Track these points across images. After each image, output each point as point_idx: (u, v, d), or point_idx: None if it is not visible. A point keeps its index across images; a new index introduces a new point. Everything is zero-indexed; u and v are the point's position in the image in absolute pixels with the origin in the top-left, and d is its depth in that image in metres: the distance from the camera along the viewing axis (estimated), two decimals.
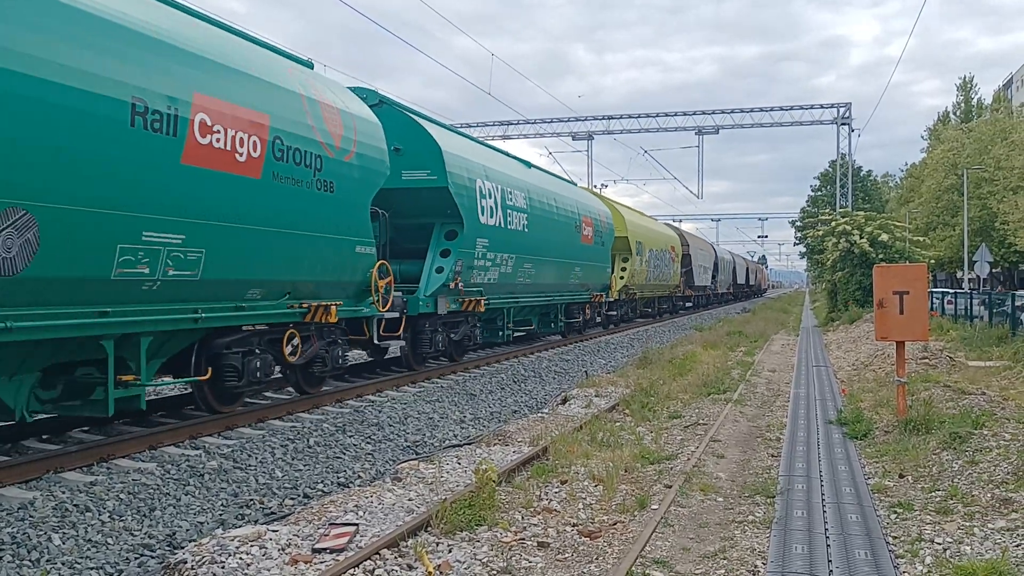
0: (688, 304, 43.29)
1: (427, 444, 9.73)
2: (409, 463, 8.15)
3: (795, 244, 71.63)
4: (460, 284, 14.07)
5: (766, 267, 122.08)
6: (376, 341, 12.28)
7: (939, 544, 5.45)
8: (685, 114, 43.53)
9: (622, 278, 26.97)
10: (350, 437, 9.47)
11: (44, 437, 8.62)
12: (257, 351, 9.60)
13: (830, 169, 60.23)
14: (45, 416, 8.34)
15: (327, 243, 10.07)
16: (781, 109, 42.65)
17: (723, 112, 43.15)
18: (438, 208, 13.78)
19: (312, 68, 10.92)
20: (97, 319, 7.10)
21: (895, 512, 6.27)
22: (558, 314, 21.30)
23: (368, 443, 9.39)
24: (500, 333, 17.80)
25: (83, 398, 7.71)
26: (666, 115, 43.81)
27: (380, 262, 11.50)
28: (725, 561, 5.25)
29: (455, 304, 14.32)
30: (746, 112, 42.92)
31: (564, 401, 12.48)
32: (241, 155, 8.36)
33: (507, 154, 18.62)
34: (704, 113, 43.24)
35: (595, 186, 47.22)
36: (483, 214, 14.75)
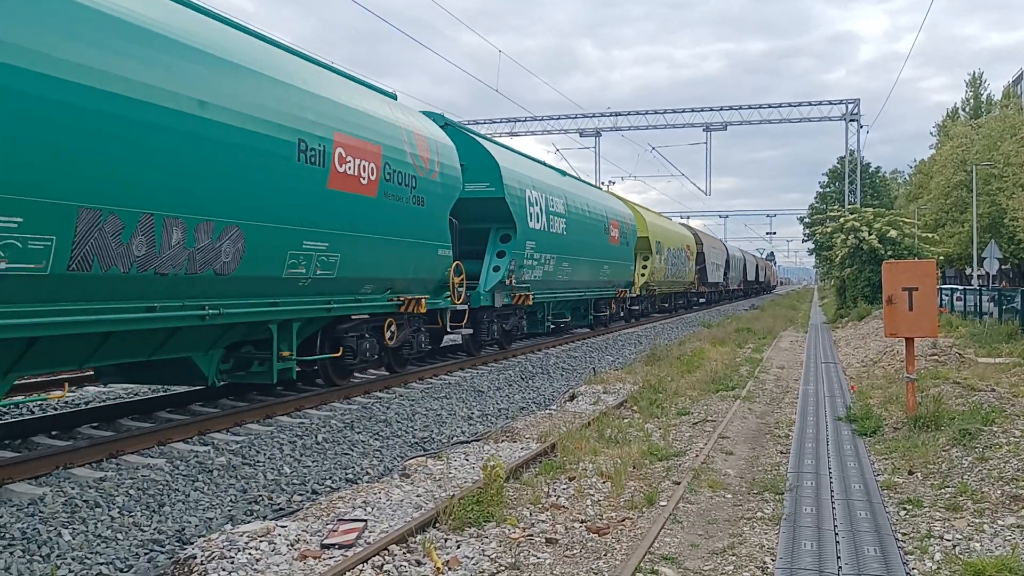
0: (702, 300, 44.86)
1: (435, 440, 9.73)
2: (417, 459, 8.16)
3: (804, 241, 71.55)
4: (513, 281, 16.43)
5: (774, 264, 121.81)
6: (448, 329, 14.49)
7: (949, 541, 5.43)
8: (693, 110, 43.48)
9: (643, 275, 29.03)
10: (358, 434, 9.49)
11: (53, 433, 8.67)
12: (366, 335, 11.81)
13: (839, 165, 60.08)
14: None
15: (419, 247, 12.41)
16: (789, 105, 42.55)
17: (731, 108, 43.08)
18: (495, 215, 15.99)
19: (396, 99, 12.88)
20: (271, 308, 9.46)
21: (904, 509, 6.25)
22: (588, 308, 23.80)
23: (376, 439, 9.40)
24: (541, 325, 20.10)
25: (246, 370, 10.11)
26: (674, 111, 43.76)
27: (455, 263, 13.81)
28: (734, 557, 5.24)
29: (508, 298, 16.46)
30: (754, 108, 42.85)
31: (572, 398, 12.47)
32: (364, 179, 10.74)
33: (546, 164, 21.09)
34: (712, 109, 43.18)
35: (602, 183, 47.18)
36: (531, 220, 17.04)
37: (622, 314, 27.64)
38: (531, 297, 17.39)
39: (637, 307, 29.21)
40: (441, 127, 14.26)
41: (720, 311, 41.02)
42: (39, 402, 10.36)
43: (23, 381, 10.46)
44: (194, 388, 10.66)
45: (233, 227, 8.42)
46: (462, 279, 14.09)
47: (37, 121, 6.26)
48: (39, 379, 11.07)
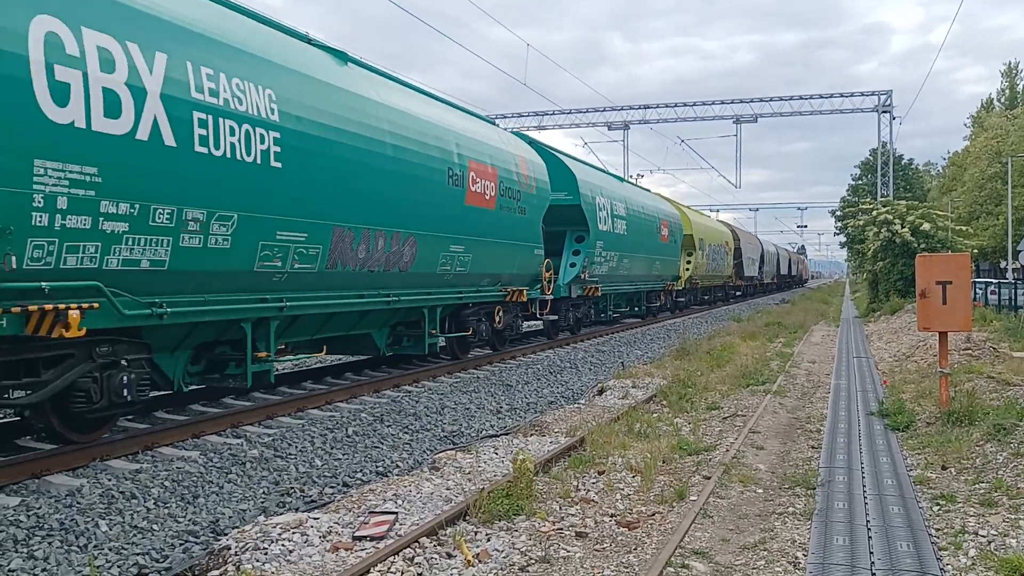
0: (738, 293, 47.09)
1: (464, 434, 9.77)
2: (446, 453, 8.20)
3: (835, 234, 70.91)
4: (586, 275, 19.27)
5: (805, 257, 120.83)
6: (537, 315, 17.35)
7: (983, 537, 5.37)
8: (723, 102, 43.08)
9: (688, 270, 31.42)
10: (388, 427, 9.55)
11: None
12: (482, 319, 14.71)
13: (871, 158, 59.25)
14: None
15: (521, 248, 15.39)
16: (821, 97, 42.03)
17: (762, 100, 42.64)
18: (571, 219, 18.75)
19: (496, 124, 16.13)
20: (426, 296, 12.34)
21: (938, 504, 6.18)
22: (641, 300, 26.72)
23: (406, 433, 9.46)
24: (604, 314, 23.37)
25: (400, 344, 13.04)
26: (703, 104, 43.41)
27: (546, 260, 16.76)
28: (765, 552, 5.22)
29: (580, 290, 19.28)
30: (785, 100, 42.37)
31: (600, 392, 12.45)
32: (487, 196, 13.64)
33: (608, 172, 24.89)
34: (742, 101, 42.76)
35: (631, 176, 46.95)
36: (600, 223, 19.87)
37: (668, 305, 30.31)
38: (599, 289, 20.45)
39: (683, 299, 32.37)
40: (527, 144, 16.98)
41: (752, 304, 42.14)
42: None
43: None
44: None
45: (411, 236, 11.43)
46: (551, 274, 17.17)
47: (330, 171, 9.50)
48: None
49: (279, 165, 8.58)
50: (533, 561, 5.03)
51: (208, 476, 7.14)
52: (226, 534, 5.77)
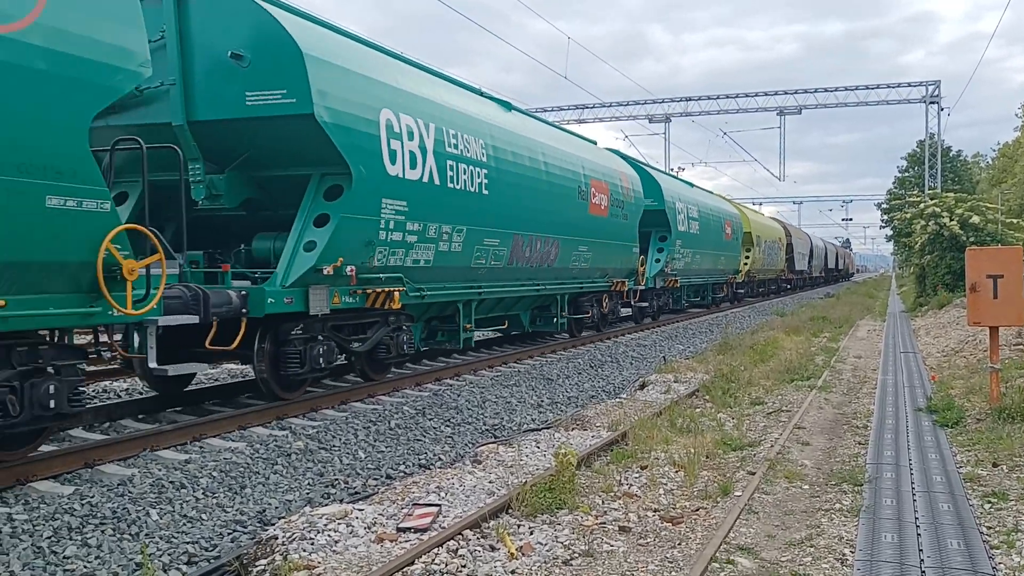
0: (787, 285, 49.44)
1: (505, 428, 9.80)
2: (488, 446, 8.23)
3: (881, 227, 69.80)
4: (668, 269, 23.05)
5: (850, 251, 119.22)
6: (632, 302, 21.25)
7: None
8: (766, 94, 42.57)
9: (746, 264, 34.56)
10: (430, 420, 9.61)
11: (140, 417, 9.00)
12: (593, 304, 18.21)
13: (918, 150, 58.18)
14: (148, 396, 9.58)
15: (623, 247, 18.89)
16: (867, 88, 41.28)
17: (806, 91, 42.02)
18: (656, 222, 22.35)
19: (596, 144, 19.31)
20: (560, 285, 16.01)
21: (989, 502, 6.06)
22: (707, 291, 30.30)
23: (447, 426, 9.51)
24: (679, 304, 26.69)
25: (535, 324, 16.52)
26: (746, 95, 42.91)
27: (640, 256, 20.17)
28: (812, 549, 5.16)
29: (663, 282, 22.92)
30: (830, 91, 41.70)
31: (642, 387, 12.40)
32: (601, 206, 17.15)
33: (681, 179, 30.00)
34: (786, 93, 42.21)
35: (672, 169, 46.61)
36: (679, 224, 23.70)
37: (729, 296, 33.57)
38: (678, 281, 24.20)
39: (742, 290, 35.78)
40: (624, 161, 20.38)
41: (800, 298, 43.84)
42: (125, 390, 10.83)
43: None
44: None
45: (556, 239, 15.02)
46: (644, 268, 20.86)
47: (512, 193, 13.12)
48: None
49: (487, 193, 12.27)
50: (576, 555, 5.03)
51: (255, 467, 7.25)
52: (273, 524, 5.86)
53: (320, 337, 9.54)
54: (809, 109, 42.31)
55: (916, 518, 5.70)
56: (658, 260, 22.66)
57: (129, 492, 6.34)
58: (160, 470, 6.89)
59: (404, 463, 8.01)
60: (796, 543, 5.28)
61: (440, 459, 8.29)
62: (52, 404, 6.36)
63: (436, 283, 11.40)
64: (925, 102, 40.76)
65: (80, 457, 6.92)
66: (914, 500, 6.13)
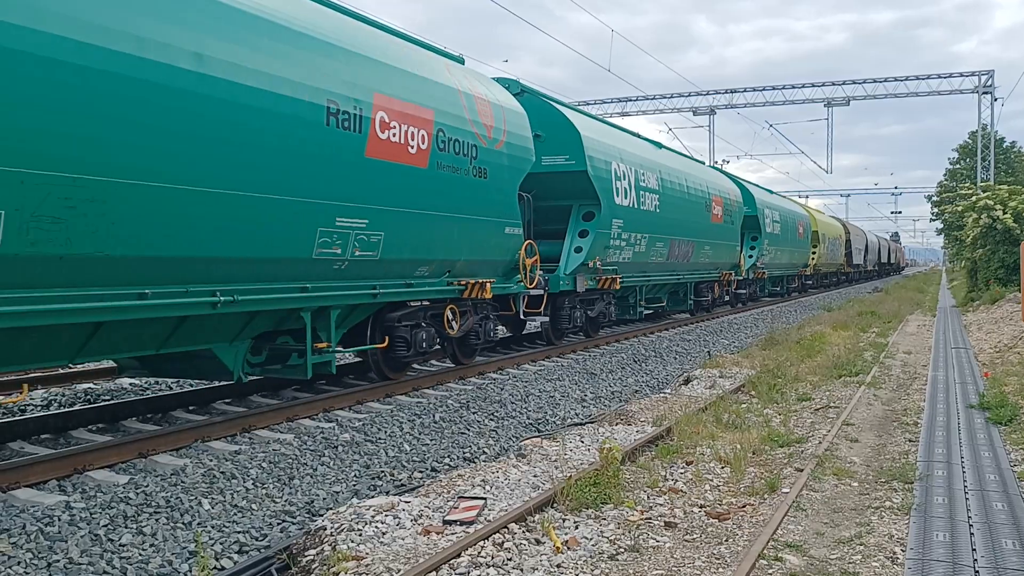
0: (845, 277, 53.55)
1: (549, 422, 9.81)
2: (532, 440, 8.25)
3: (931, 220, 68.42)
4: (759, 263, 26.71)
5: (899, 244, 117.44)
6: (731, 291, 24.95)
7: None
8: (813, 85, 41.91)
9: (814, 258, 38.53)
10: (474, 414, 9.66)
11: (191, 408, 9.17)
12: (709, 290, 22.67)
13: (970, 141, 56.85)
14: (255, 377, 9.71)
15: (730, 247, 23.72)
16: (917, 78, 40.44)
17: (854, 82, 41.31)
18: (750, 225, 26.40)
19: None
20: (691, 275, 20.89)
21: None
22: (784, 281, 34.68)
23: (491, 420, 9.55)
24: (764, 291, 31.42)
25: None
26: (792, 87, 42.29)
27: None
28: (862, 547, 5.09)
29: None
30: (879, 82, 40.94)
31: (687, 381, 12.33)
32: (718, 216, 22.24)
33: (762, 187, 31.56)
34: (834, 84, 41.53)
35: (716, 162, 46.15)
36: (768, 227, 27.77)
37: (798, 287, 37.79)
38: (765, 273, 28.17)
39: (810, 282, 40.11)
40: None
41: (853, 290, 46.80)
42: (176, 382, 11.01)
43: None
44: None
45: (692, 241, 19.79)
46: (742, 263, 24.25)
47: (668, 210, 18.06)
48: None
49: (659, 211, 17.30)
50: (622, 550, 5.03)
51: (303, 458, 7.36)
52: (321, 515, 5.94)
53: (577, 305, 14.81)
54: (857, 100, 41.60)
55: (969, 517, 5.60)
56: (751, 256, 26.47)
57: (182, 482, 6.47)
58: (211, 460, 7.02)
59: (449, 456, 8.07)
60: (845, 541, 5.22)
61: (484, 452, 8.33)
62: (492, 335, 12.30)
63: (629, 273, 16.37)
64: (978, 92, 39.82)
65: (135, 447, 7.08)
66: (966, 499, 6.02)
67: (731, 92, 43.87)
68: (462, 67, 11.73)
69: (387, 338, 10.01)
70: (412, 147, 9.39)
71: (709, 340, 18.39)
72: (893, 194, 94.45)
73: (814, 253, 38.28)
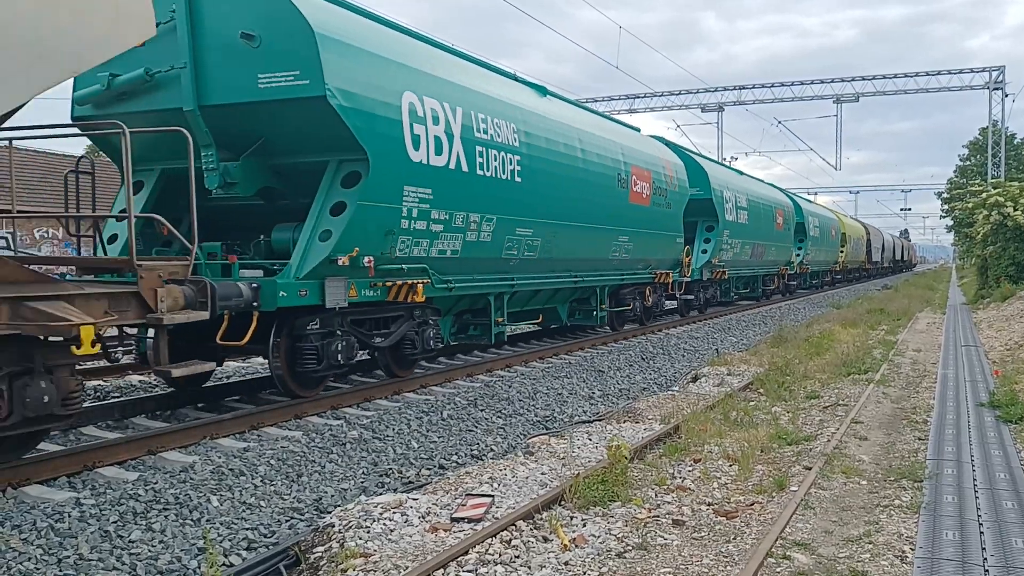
0: (866, 273, 58.64)
1: (557, 419, 9.81)
2: (540, 438, 8.25)
3: (941, 217, 68.30)
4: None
5: (910, 242, 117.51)
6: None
7: None
8: (822, 82, 41.85)
9: (843, 256, 43.92)
10: (481, 411, 9.66)
11: (199, 405, 9.20)
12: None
13: (980, 137, 56.60)
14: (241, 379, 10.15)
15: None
16: (927, 74, 40.26)
17: (863, 79, 41.15)
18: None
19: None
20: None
21: None
22: (820, 275, 40.18)
23: (499, 417, 9.55)
24: (805, 284, 37.15)
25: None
26: (801, 83, 42.20)
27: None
28: (871, 545, 5.07)
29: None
30: (888, 78, 40.76)
31: (695, 379, 12.30)
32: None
33: (729, 166, 31.56)
34: (843, 80, 41.40)
35: (724, 159, 46.03)
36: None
37: (830, 280, 43.46)
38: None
39: (839, 276, 46.17)
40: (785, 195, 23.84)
41: (872, 285, 50.46)
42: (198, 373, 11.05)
43: None
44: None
45: (763, 246, 25.87)
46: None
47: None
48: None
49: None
50: (630, 548, 5.02)
51: (311, 456, 7.37)
52: (329, 512, 5.96)
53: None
54: (867, 96, 41.48)
55: (979, 516, 5.58)
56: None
57: (191, 478, 6.50)
58: (220, 457, 7.04)
59: (456, 453, 8.07)
60: (854, 539, 5.20)
61: (492, 450, 8.33)
62: (662, 307, 18.98)
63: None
64: (989, 88, 39.63)
65: (143, 444, 7.11)
66: (976, 497, 6.00)
67: (740, 89, 43.76)
68: (656, 141, 19.76)
69: (616, 303, 16.86)
70: (644, 194, 16.52)
71: (717, 338, 18.35)
72: (903, 191, 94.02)
73: (843, 251, 44.01)
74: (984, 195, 29.13)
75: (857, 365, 12.75)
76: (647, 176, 16.71)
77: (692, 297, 21.37)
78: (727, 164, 29.43)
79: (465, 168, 10.41)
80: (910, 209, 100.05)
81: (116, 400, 8.98)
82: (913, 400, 10.11)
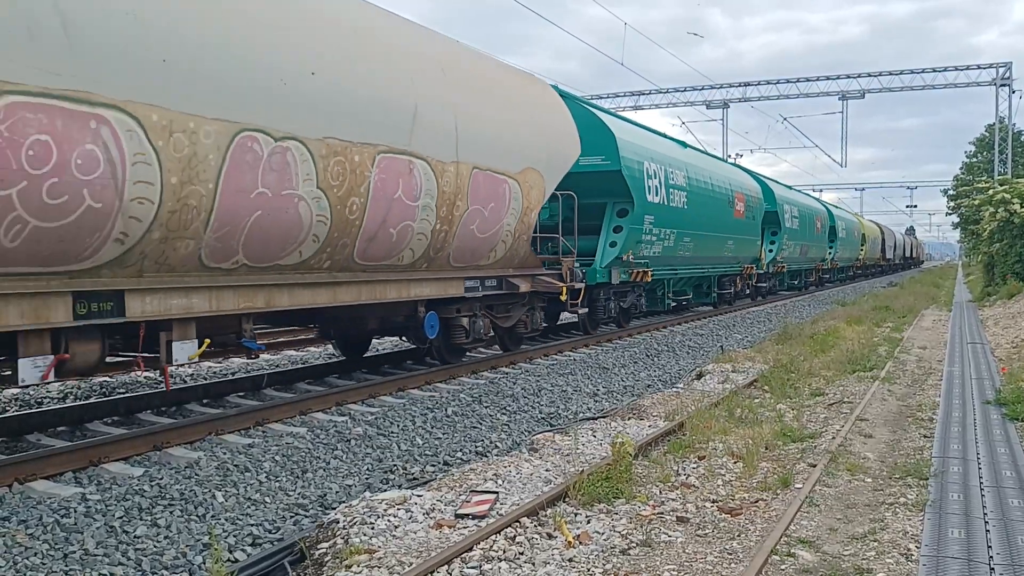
0: (880, 268, 65.87)
1: (561, 416, 9.80)
2: (544, 434, 8.25)
3: (947, 214, 68.28)
4: (779, 257, 29.58)
5: (918, 240, 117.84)
6: (751, 284, 27.14)
7: None
8: (828, 78, 41.66)
9: (862, 253, 51.15)
10: (486, 408, 9.66)
11: (205, 401, 9.23)
12: (732, 283, 24.74)
13: (987, 134, 56.38)
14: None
15: (751, 241, 25.22)
16: (933, 71, 40.13)
17: (869, 75, 41.01)
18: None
19: (737, 166, 28.05)
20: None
21: None
22: (845, 270, 47.61)
23: (503, 414, 9.55)
24: (836, 276, 44.26)
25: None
26: (807, 80, 42.07)
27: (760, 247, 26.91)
28: (876, 543, 5.06)
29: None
30: (895, 75, 40.62)
31: (699, 376, 12.29)
32: (741, 211, 23.14)
33: (781, 183, 34.67)
34: (849, 77, 41.25)
35: (729, 156, 45.96)
36: (788, 222, 30.21)
37: (853, 274, 50.53)
38: (785, 267, 31.07)
39: (859, 271, 54.15)
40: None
41: (884, 280, 54.36)
42: (190, 375, 11.11)
43: None
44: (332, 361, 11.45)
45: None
46: (763, 256, 27.82)
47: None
48: None
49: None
50: (634, 545, 5.02)
51: (315, 452, 7.38)
52: (334, 508, 5.96)
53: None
54: (872, 93, 41.33)
55: (985, 514, 5.56)
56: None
57: (196, 474, 6.51)
58: (225, 453, 7.06)
59: (461, 450, 8.08)
60: (859, 537, 5.19)
61: (497, 447, 8.33)
62: (748, 290, 27.51)
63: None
64: (995, 85, 39.48)
65: (149, 440, 7.13)
66: (982, 495, 5.98)
67: (745, 85, 43.67)
68: (744, 171, 27.10)
69: (720, 288, 23.87)
70: (740, 210, 23.15)
71: (722, 335, 18.33)
72: (909, 188, 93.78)
73: (862, 249, 51.42)
74: (991, 192, 29.04)
75: (862, 362, 12.72)
76: (743, 197, 23.72)
77: (765, 285, 28.70)
78: (788, 185, 34.54)
79: (666, 202, 17.39)
80: (916, 206, 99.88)
81: (122, 396, 9.00)
82: (919, 398, 10.09)
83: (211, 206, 6.64)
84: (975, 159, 62.47)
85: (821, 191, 73.96)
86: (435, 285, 10.15)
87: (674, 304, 21.41)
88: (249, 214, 7.00)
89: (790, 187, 35.20)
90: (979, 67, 39.80)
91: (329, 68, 7.69)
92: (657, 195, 17.13)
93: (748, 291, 27.08)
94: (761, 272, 27.22)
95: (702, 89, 44.48)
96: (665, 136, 20.75)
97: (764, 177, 29.76)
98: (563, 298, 13.13)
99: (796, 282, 34.97)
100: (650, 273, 17.18)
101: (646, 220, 16.65)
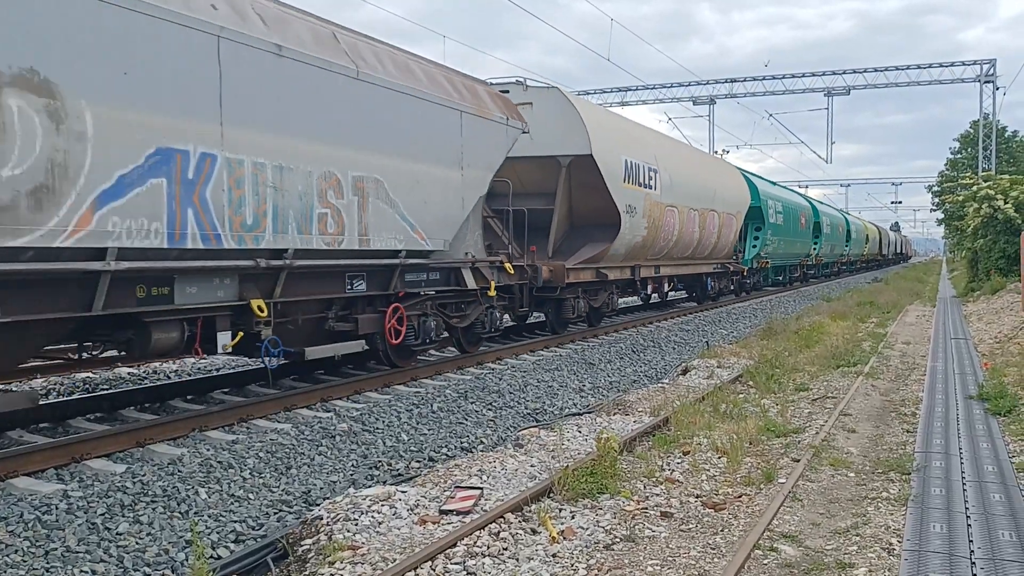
0: (876, 263, 72.01)
1: (547, 412, 9.81)
2: (530, 430, 8.25)
3: (932, 210, 68.90)
4: (851, 252, 47.43)
5: (906, 237, 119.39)
6: (734, 280, 28.06)
7: None
8: (814, 75, 41.75)
9: (865, 249, 58.84)
10: (472, 403, 9.65)
11: (188, 397, 9.17)
12: (718, 279, 25.05)
13: (972, 130, 56.72)
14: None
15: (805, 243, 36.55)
16: (918, 67, 40.30)
17: (855, 72, 41.15)
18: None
19: (721, 158, 35.87)
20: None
21: None
22: (852, 263, 55.55)
23: (489, 410, 9.55)
24: (848, 268, 55.31)
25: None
26: (793, 76, 42.14)
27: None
28: (858, 537, 5.09)
29: (756, 264, 29.02)
30: (880, 71, 40.78)
31: (685, 372, 12.32)
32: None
33: (765, 179, 37.11)
34: (835, 73, 41.37)
35: (716, 152, 46.06)
36: (853, 235, 51.47)
37: (859, 266, 58.81)
38: (769, 262, 31.11)
39: (864, 264, 62.66)
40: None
41: (879, 272, 59.82)
42: (174, 371, 11.05)
43: None
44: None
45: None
46: (813, 250, 37.28)
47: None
48: None
49: (783, 223, 31.14)
50: (618, 539, 5.03)
51: (300, 448, 7.36)
52: (318, 504, 5.95)
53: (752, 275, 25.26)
54: (858, 90, 41.46)
55: (966, 508, 5.60)
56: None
57: (179, 471, 6.47)
58: (208, 450, 7.02)
59: (446, 446, 8.07)
60: (841, 531, 5.22)
61: (482, 442, 8.33)
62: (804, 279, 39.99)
63: (773, 260, 27.81)
64: (980, 81, 39.68)
65: (132, 436, 7.08)
66: (964, 490, 6.02)
67: (731, 81, 43.74)
68: (724, 162, 29.26)
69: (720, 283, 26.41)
70: (803, 224, 34.96)
71: (708, 330, 18.38)
72: (893, 184, 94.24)
73: (866, 247, 60.40)
74: (975, 188, 29.23)
75: (846, 358, 12.79)
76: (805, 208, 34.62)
77: (748, 280, 29.97)
78: (773, 181, 37.27)
79: (772, 220, 27.81)
80: (901, 202, 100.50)
81: (105, 392, 8.94)
82: (902, 393, 10.15)
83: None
84: (960, 155, 62.81)
85: (807, 187, 74.38)
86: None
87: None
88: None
89: (775, 183, 36.36)
90: (964, 64, 39.99)
91: (714, 180, 21.65)
92: (775, 218, 29.44)
93: (732, 287, 27.65)
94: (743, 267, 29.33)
95: (689, 85, 44.52)
96: (761, 178, 32.67)
97: (748, 173, 30.73)
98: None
99: (780, 278, 35.73)
100: (769, 262, 29.79)
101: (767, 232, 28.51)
